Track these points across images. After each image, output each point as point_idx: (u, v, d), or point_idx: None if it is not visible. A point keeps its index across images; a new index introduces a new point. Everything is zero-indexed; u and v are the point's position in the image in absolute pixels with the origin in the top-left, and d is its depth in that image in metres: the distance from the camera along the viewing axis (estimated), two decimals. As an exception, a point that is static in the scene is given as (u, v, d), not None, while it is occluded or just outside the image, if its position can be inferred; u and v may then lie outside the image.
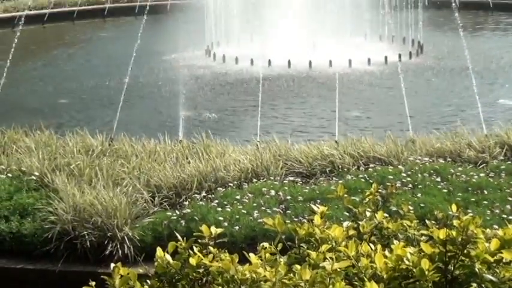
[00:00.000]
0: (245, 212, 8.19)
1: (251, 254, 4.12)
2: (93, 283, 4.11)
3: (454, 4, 18.17)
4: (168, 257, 4.21)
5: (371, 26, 22.99)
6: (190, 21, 21.58)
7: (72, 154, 10.14)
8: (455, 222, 4.15)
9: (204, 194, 8.98)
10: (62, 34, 28.72)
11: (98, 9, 31.89)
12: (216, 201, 8.63)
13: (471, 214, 6.19)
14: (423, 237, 4.52)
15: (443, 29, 25.47)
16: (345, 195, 5.19)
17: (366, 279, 3.95)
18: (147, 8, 16.97)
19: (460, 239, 4.04)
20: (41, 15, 29.31)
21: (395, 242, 4.38)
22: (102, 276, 4.09)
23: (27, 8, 25.18)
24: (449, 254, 4.03)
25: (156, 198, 8.90)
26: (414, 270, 3.96)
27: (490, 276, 3.95)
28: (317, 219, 4.43)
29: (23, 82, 18.27)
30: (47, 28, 29.31)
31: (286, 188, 8.90)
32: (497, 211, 8.10)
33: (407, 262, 4.02)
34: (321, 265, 4.01)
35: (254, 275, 3.97)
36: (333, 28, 20.32)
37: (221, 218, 8.03)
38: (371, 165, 9.71)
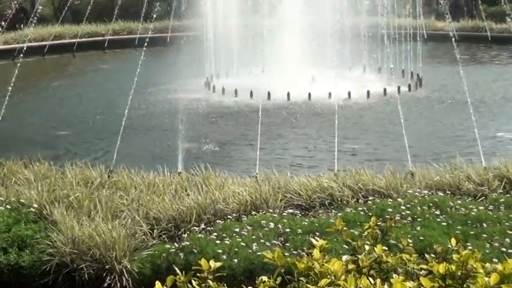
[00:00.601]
0: (244, 244, 8.16)
1: (250, 288, 4.11)
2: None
3: (452, 37, 18.20)
4: (167, 291, 4.19)
5: (370, 58, 23.10)
6: (189, 53, 21.64)
7: (71, 186, 10.14)
8: (454, 256, 4.14)
9: (203, 226, 8.97)
10: (62, 66, 28.84)
11: (98, 41, 32.04)
12: (215, 233, 8.61)
13: (470, 247, 6.19)
14: (423, 272, 4.50)
15: (442, 62, 25.59)
16: (344, 229, 5.18)
17: (365, 313, 3.93)
18: (147, 40, 17.02)
19: (459, 274, 4.02)
20: (42, 46, 29.44)
21: (394, 276, 4.37)
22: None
23: (27, 39, 25.26)
24: (448, 288, 4.02)
25: (155, 230, 8.89)
26: (414, 304, 3.94)
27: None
28: (316, 252, 4.42)
29: (22, 113, 18.28)
30: (47, 60, 29.42)
31: (285, 220, 8.89)
32: (496, 244, 8.08)
33: (406, 296, 4.00)
34: (320, 299, 4.00)
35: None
36: (332, 60, 20.35)
37: (220, 251, 8.01)
38: (370, 198, 9.71)
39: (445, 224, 8.64)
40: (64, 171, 10.91)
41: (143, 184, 10.30)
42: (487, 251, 7.74)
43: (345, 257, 4.55)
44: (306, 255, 4.47)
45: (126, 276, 8.00)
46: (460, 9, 38.77)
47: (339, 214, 8.98)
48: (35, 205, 9.42)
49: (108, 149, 13.72)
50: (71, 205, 9.46)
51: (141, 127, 16.62)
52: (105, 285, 7.95)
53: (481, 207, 9.21)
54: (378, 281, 4.23)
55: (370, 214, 8.45)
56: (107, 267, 8.08)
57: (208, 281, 4.26)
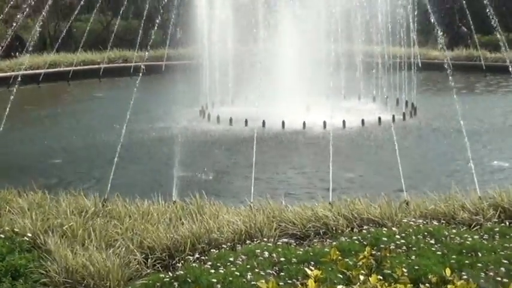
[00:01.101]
0: (238, 274, 8.12)
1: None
2: None
3: (447, 66, 18.27)
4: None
5: (365, 87, 23.17)
6: (184, 81, 21.68)
7: (65, 215, 10.11)
8: (449, 286, 4.13)
9: (197, 255, 8.94)
10: (57, 94, 28.88)
11: (93, 69, 32.10)
12: (210, 262, 8.57)
13: (465, 277, 6.16)
14: (417, 302, 4.50)
15: (437, 91, 25.69)
16: (339, 258, 5.17)
17: None
18: (142, 68, 17.04)
19: (454, 304, 4.02)
20: (37, 75, 29.49)
21: (389, 306, 4.36)
22: None
23: (23, 67, 25.29)
24: (443, 319, 4.01)
25: (149, 259, 8.86)
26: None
27: None
28: (311, 283, 4.41)
29: (17, 141, 18.28)
30: (43, 88, 29.46)
31: (279, 249, 8.85)
32: (491, 274, 8.05)
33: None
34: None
35: None
36: (326, 89, 20.40)
37: (214, 280, 7.96)
38: (365, 227, 9.68)
39: (440, 253, 8.60)
40: (58, 200, 10.88)
41: (137, 213, 10.27)
42: (482, 281, 7.71)
43: (339, 287, 4.55)
44: (300, 285, 4.46)
45: (120, 305, 7.97)
46: (462, 38, 38.97)
47: (334, 243, 8.95)
48: (29, 234, 9.37)
49: (102, 177, 13.69)
50: (65, 234, 9.42)
51: (135, 155, 16.61)
52: (99, 314, 7.91)
53: (476, 237, 9.19)
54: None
55: (365, 243, 8.44)
56: (101, 296, 8.05)
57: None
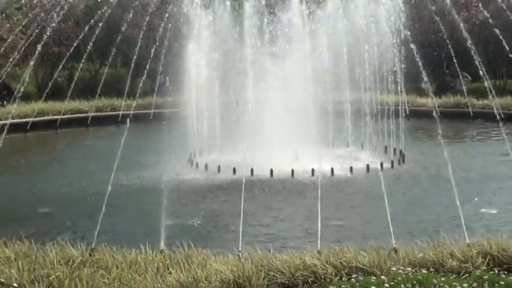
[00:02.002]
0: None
1: None
2: None
3: (434, 113, 18.33)
4: None
5: (353, 134, 23.22)
6: (172, 129, 21.71)
7: (52, 265, 10.01)
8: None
9: (184, 305, 8.86)
10: (44, 142, 28.84)
11: (81, 118, 32.13)
12: (198, 312, 8.50)
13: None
14: None
15: (425, 138, 25.77)
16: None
17: None
18: (131, 116, 17.04)
19: None
20: (24, 123, 29.48)
21: None
22: None
23: (10, 116, 25.27)
24: None
25: (136, 309, 8.78)
26: None
27: None
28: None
29: (3, 190, 18.21)
30: (30, 136, 29.44)
31: (268, 299, 8.79)
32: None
33: None
34: None
35: None
36: (315, 136, 20.45)
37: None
38: (354, 276, 9.62)
39: (429, 302, 8.56)
40: (45, 250, 10.79)
41: (125, 262, 10.19)
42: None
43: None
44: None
45: None
46: (450, 85, 39.34)
47: (322, 292, 8.90)
48: (15, 284, 9.28)
49: (90, 226, 13.58)
50: (52, 284, 9.33)
51: (123, 204, 16.53)
52: None
53: (465, 285, 9.14)
54: None
55: (354, 292, 8.38)
56: None
57: None
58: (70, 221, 15.49)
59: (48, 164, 23.26)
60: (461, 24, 22.76)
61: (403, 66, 22.22)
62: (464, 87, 35.83)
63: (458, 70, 28.86)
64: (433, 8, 25.71)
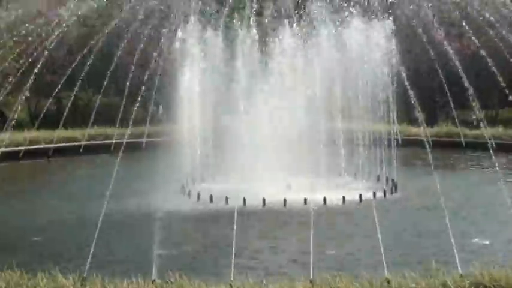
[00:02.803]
0: None
1: None
2: None
3: (426, 143, 18.36)
4: None
5: (345, 163, 23.22)
6: (165, 158, 21.67)
7: (43, 294, 9.97)
8: None
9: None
10: (37, 171, 28.78)
11: (73, 147, 32.04)
12: None
13: None
14: None
15: (417, 167, 25.74)
16: None
17: None
18: (123, 145, 17.03)
19: None
20: (16, 152, 29.39)
21: None
22: None
23: (2, 145, 25.22)
24: None
25: None
26: None
27: None
28: None
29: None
30: (22, 165, 29.34)
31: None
32: None
33: None
34: None
35: None
36: (307, 166, 20.48)
37: None
38: (346, 306, 9.60)
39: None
40: (36, 279, 10.74)
41: (116, 292, 10.15)
42: None
43: None
44: None
45: None
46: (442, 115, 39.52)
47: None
48: (5, 315, 9.24)
49: (81, 255, 13.54)
50: (43, 314, 9.28)
51: (115, 233, 16.47)
52: None
53: (458, 315, 9.12)
54: None
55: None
56: None
57: None
58: (62, 249, 15.44)
59: (41, 192, 23.20)
60: (453, 52, 22.87)
61: (395, 95, 22.28)
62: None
63: (450, 100, 28.90)
64: (425, 38, 25.78)
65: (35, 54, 28.28)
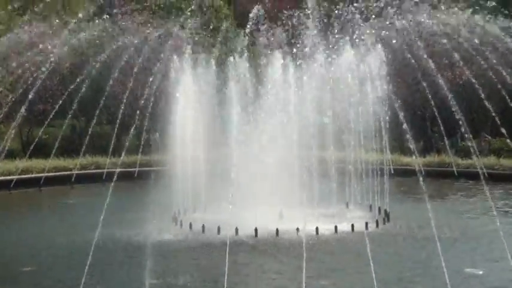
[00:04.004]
0: None
1: None
2: None
3: (419, 172, 18.40)
4: None
5: (338, 193, 23.21)
6: (157, 188, 21.63)
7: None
8: None
9: None
10: (28, 200, 28.71)
11: (65, 176, 32.05)
12: None
13: None
14: None
15: (409, 197, 25.80)
16: None
17: None
18: (115, 174, 17.02)
19: None
20: (8, 181, 29.36)
21: None
22: None
23: (-6, 174, 25.21)
24: None
25: None
26: None
27: None
28: None
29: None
30: (14, 194, 29.29)
31: None
32: None
33: None
34: None
35: None
36: (299, 196, 20.45)
37: None
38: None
39: None
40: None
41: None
42: None
43: None
44: None
45: None
46: (434, 144, 39.64)
47: None
48: None
49: (73, 285, 13.49)
50: None
51: (106, 263, 16.38)
52: None
53: None
54: None
55: None
56: None
57: None
58: (53, 279, 15.35)
59: (32, 222, 23.11)
60: (445, 82, 22.98)
61: (387, 125, 22.33)
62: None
63: (442, 130, 29.02)
64: (417, 67, 25.94)
65: (27, 83, 28.35)
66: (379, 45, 24.11)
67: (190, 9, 35.71)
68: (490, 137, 39.03)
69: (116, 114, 26.36)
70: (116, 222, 19.79)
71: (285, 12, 29.11)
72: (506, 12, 34.75)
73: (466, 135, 22.37)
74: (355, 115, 22.80)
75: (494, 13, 34.28)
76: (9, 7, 40.81)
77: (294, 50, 24.69)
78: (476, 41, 27.12)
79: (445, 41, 27.25)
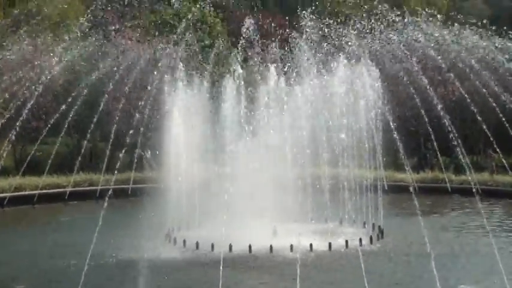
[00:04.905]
0: None
1: None
2: None
3: (412, 189, 18.42)
4: None
5: (332, 210, 23.21)
6: (151, 205, 21.61)
7: None
8: None
9: None
10: (21, 218, 28.58)
11: (58, 193, 31.96)
12: None
13: None
14: None
15: (403, 213, 25.80)
16: None
17: None
18: (109, 192, 16.99)
19: None
20: (1, 198, 29.28)
21: None
22: None
23: (-13, 191, 25.15)
24: None
25: None
26: None
27: None
28: None
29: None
30: (7, 212, 29.21)
31: None
32: None
33: None
34: None
35: None
36: (294, 212, 20.46)
37: None
38: None
39: None
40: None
41: None
42: None
43: None
44: None
45: None
46: (428, 161, 39.72)
47: None
48: None
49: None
50: None
51: (99, 281, 16.34)
52: None
53: None
54: None
55: None
56: None
57: None
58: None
59: (24, 239, 23.01)
60: (438, 97, 23.06)
61: (381, 141, 22.38)
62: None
63: (436, 146, 29.09)
64: (410, 84, 26.03)
65: (22, 100, 28.34)
66: (373, 62, 24.18)
67: (183, 26, 35.72)
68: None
69: (109, 131, 26.35)
70: (109, 240, 19.73)
71: (278, 29, 29.23)
72: (495, 29, 34.87)
73: (463, 151, 22.35)
74: (349, 131, 22.83)
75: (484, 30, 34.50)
76: (2, 21, 40.89)
77: (287, 67, 24.75)
78: (469, 57, 27.23)
79: (439, 57, 27.37)
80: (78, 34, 33.55)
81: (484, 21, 35.60)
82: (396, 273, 17.40)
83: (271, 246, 19.22)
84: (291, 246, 18.83)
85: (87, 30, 35.91)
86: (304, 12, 27.11)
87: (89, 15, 38.19)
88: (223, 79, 23.38)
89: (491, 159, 38.13)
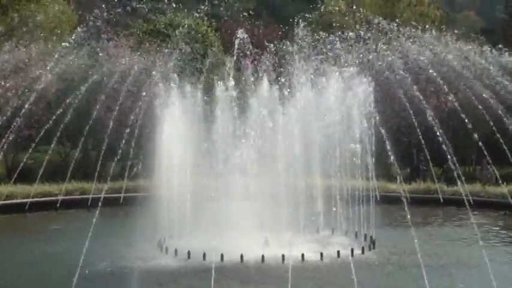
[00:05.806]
0: None
1: None
2: None
3: (404, 199, 18.41)
4: None
5: (323, 220, 23.20)
6: (142, 214, 21.58)
7: None
8: None
9: None
10: (12, 226, 28.50)
11: (50, 201, 31.88)
12: None
13: None
14: None
15: (395, 224, 25.81)
16: None
17: None
18: (101, 200, 16.96)
19: None
20: (-7, 206, 29.20)
21: None
22: None
23: (-22, 199, 25.08)
24: None
25: None
26: None
27: None
28: None
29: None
30: (-3, 220, 29.14)
31: None
32: None
33: None
34: None
35: None
36: (285, 222, 20.42)
37: None
38: None
39: None
40: None
41: None
42: None
43: None
44: None
45: None
46: (420, 172, 39.76)
47: None
48: None
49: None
50: None
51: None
52: None
53: None
54: None
55: None
56: None
57: None
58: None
59: (15, 248, 22.93)
60: (430, 109, 23.08)
61: (373, 152, 22.38)
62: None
63: (428, 157, 29.14)
64: (403, 95, 26.06)
65: (14, 107, 28.30)
66: (365, 73, 24.21)
67: (176, 35, 35.77)
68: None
69: (101, 140, 26.32)
70: (100, 249, 19.69)
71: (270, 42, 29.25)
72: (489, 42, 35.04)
73: (455, 163, 22.37)
74: (342, 142, 22.84)
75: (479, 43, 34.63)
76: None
77: (280, 78, 24.76)
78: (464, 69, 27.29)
79: (431, 70, 27.42)
80: (72, 42, 33.48)
81: (477, 34, 35.75)
82: (387, 284, 17.40)
83: (262, 256, 19.19)
84: (283, 256, 18.80)
85: (79, 39, 35.87)
86: (295, 21, 27.19)
87: (83, 25, 38.19)
88: (215, 88, 23.35)
89: (487, 171, 38.18)
